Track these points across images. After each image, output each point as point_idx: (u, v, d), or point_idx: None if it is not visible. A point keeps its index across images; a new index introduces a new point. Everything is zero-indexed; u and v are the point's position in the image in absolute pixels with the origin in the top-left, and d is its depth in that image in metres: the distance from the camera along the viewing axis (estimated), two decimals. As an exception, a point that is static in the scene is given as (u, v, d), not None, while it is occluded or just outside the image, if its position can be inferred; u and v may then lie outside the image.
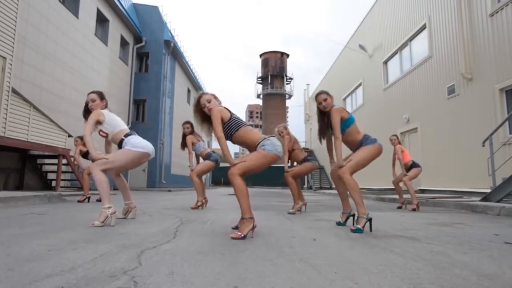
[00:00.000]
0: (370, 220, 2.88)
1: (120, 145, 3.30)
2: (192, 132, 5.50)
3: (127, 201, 3.63)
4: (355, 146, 3.19)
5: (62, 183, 9.51)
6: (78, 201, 6.00)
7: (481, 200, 5.86)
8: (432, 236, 2.68)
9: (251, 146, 2.69)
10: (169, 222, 3.36)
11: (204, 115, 2.85)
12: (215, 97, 2.88)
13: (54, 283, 1.29)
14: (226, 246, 2.12)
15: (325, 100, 3.21)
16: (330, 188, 21.62)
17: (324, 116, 3.31)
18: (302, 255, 1.88)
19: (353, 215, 3.26)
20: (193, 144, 5.49)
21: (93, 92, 3.44)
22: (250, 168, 2.54)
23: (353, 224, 3.01)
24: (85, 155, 6.48)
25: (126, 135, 3.31)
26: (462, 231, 3.01)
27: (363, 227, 2.84)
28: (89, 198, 6.18)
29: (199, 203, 5.24)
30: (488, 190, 6.19)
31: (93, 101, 3.37)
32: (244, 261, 1.71)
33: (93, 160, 6.31)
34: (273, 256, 1.86)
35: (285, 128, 4.99)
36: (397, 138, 6.37)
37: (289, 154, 4.96)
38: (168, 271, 1.50)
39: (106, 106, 3.45)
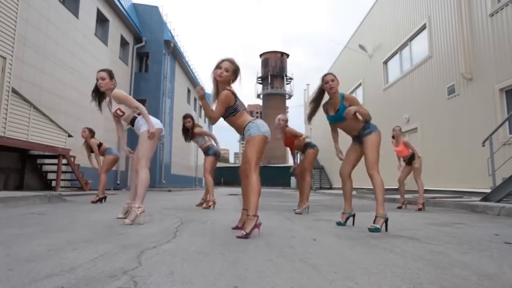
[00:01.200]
0: (386, 220, 2.95)
1: (132, 123, 3.37)
2: (193, 125, 5.57)
3: (131, 200, 3.63)
4: (356, 132, 3.23)
5: (62, 183, 9.50)
6: (92, 202, 5.77)
7: (481, 200, 5.85)
8: (432, 236, 2.68)
9: (239, 129, 2.83)
10: (169, 222, 3.35)
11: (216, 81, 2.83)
12: (234, 72, 2.78)
13: (54, 283, 1.29)
14: (226, 246, 2.12)
15: (332, 80, 3.21)
16: (330, 188, 21.62)
17: (321, 99, 3.33)
18: (302, 255, 1.88)
19: (353, 215, 3.29)
20: (195, 136, 5.57)
21: (102, 70, 3.39)
22: (259, 159, 2.71)
23: (353, 224, 3.16)
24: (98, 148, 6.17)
25: (139, 114, 3.37)
26: (462, 231, 3.00)
27: (381, 226, 2.90)
28: (104, 198, 5.94)
29: (210, 203, 5.29)
30: (488, 190, 6.19)
31: (103, 79, 3.33)
32: (244, 261, 1.71)
33: (102, 154, 6.14)
34: (273, 256, 1.86)
35: (284, 121, 4.92)
36: (400, 130, 6.24)
37: (290, 148, 5.02)
38: (168, 271, 1.50)
39: (115, 86, 3.43)
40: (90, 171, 10.85)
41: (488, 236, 2.74)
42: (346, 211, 3.33)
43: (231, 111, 2.76)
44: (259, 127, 2.71)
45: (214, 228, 3.01)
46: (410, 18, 12.23)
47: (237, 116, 2.78)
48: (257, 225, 2.49)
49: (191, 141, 5.68)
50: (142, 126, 3.30)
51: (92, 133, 6.06)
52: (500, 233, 2.88)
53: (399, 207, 6.20)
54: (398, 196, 8.31)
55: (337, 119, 3.25)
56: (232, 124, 2.83)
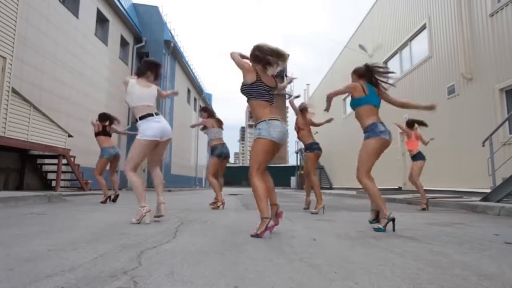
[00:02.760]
0: (393, 220, 2.92)
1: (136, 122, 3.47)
2: (210, 116, 5.63)
3: (158, 196, 3.68)
4: (363, 130, 3.22)
5: (62, 183, 9.50)
6: (101, 202, 5.81)
7: (481, 200, 5.85)
8: (432, 236, 2.68)
9: (255, 119, 2.77)
10: (169, 222, 3.36)
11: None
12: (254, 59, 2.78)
13: (54, 283, 1.29)
14: (226, 246, 2.11)
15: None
16: (330, 188, 21.62)
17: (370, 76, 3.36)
18: (302, 255, 1.88)
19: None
20: (206, 128, 5.64)
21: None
22: (260, 160, 2.61)
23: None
24: (98, 134, 6.14)
25: (141, 118, 3.35)
26: (462, 231, 3.00)
27: (384, 226, 2.89)
28: (109, 197, 6.00)
29: (219, 204, 5.22)
30: (488, 190, 6.19)
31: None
32: (244, 261, 1.71)
33: (102, 147, 6.14)
34: (273, 256, 1.86)
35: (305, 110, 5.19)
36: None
37: (297, 134, 5.20)
38: (168, 271, 1.50)
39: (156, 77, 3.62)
40: (90, 171, 10.84)
41: (488, 236, 2.74)
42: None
43: (251, 92, 2.69)
44: (270, 131, 2.56)
45: (214, 228, 3.01)
46: (410, 18, 12.23)
47: (255, 104, 2.69)
48: (268, 228, 2.49)
49: (204, 131, 5.81)
50: (138, 131, 3.37)
51: (102, 120, 6.12)
52: (500, 233, 2.88)
53: (423, 209, 5.55)
54: (398, 196, 8.32)
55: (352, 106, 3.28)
56: (252, 107, 2.75)
